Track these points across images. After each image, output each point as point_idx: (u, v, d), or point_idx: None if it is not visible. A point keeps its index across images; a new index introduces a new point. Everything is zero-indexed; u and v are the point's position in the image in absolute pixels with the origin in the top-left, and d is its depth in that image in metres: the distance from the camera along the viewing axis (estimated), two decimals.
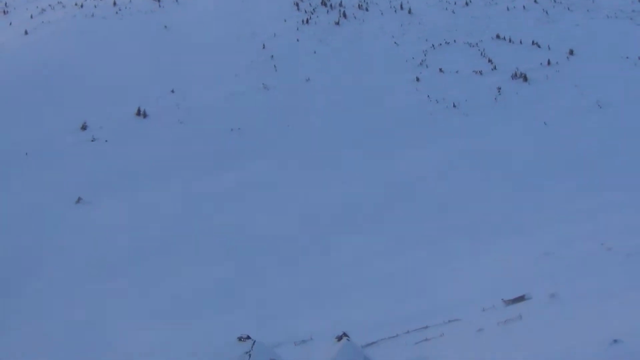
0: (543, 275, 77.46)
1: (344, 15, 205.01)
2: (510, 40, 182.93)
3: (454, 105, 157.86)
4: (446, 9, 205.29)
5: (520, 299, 71.50)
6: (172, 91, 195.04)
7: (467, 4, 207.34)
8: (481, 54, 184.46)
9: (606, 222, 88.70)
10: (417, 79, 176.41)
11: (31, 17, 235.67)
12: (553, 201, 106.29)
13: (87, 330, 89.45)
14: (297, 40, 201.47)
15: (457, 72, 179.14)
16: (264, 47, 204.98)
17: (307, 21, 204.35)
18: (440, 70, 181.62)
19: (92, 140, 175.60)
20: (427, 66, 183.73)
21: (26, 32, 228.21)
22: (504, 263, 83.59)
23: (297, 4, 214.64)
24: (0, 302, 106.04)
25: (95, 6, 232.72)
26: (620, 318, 45.89)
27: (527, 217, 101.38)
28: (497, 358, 45.80)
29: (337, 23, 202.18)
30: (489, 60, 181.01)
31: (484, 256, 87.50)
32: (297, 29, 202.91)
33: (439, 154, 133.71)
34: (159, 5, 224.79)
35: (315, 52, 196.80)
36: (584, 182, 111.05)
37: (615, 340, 36.96)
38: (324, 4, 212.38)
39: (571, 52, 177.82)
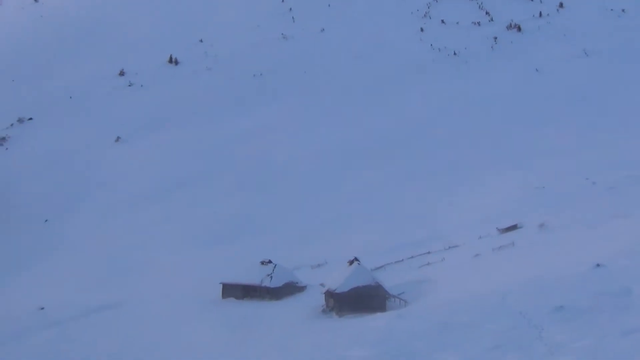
0: (533, 207, 77.48)
1: None
2: None
3: (455, 54, 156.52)
4: None
5: (513, 227, 71.62)
6: (201, 41, 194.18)
7: None
8: (479, 6, 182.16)
9: (591, 159, 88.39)
10: (422, 30, 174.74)
11: None
12: (542, 140, 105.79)
13: (128, 252, 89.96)
14: None
15: (457, 23, 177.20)
16: (282, 0, 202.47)
17: None
18: (442, 21, 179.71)
19: (129, 85, 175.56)
20: (430, 17, 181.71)
21: None
22: (498, 196, 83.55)
23: None
24: (52, 230, 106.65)
25: None
26: (602, 245, 45.85)
27: (519, 154, 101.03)
28: (492, 276, 45.91)
29: None
30: (487, 13, 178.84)
31: (481, 189, 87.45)
32: None
33: (441, 97, 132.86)
34: None
35: (329, 5, 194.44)
36: (571, 122, 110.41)
37: (598, 265, 36.97)
38: None
39: (561, 5, 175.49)
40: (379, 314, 45.88)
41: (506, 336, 22.51)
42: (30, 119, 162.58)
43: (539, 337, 21.15)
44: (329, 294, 58.47)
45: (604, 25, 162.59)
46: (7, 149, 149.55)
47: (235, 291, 66.72)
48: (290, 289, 65.85)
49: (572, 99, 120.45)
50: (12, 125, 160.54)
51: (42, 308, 72.45)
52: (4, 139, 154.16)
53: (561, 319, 22.78)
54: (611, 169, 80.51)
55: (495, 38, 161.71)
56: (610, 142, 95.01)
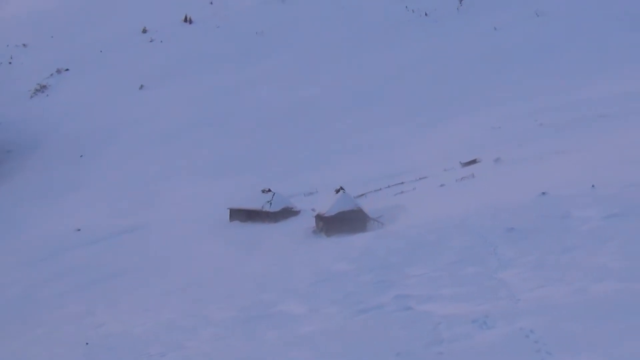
0: (490, 144, 77.51)
1: None
2: None
3: (426, 14, 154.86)
4: None
5: (473, 162, 71.69)
6: (211, 3, 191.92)
7: None
8: None
9: (541, 104, 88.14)
10: None
11: None
12: (499, 87, 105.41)
13: (145, 182, 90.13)
14: None
15: None
16: None
17: None
18: None
19: (151, 41, 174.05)
20: None
21: None
22: (461, 135, 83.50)
23: None
24: (87, 164, 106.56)
25: None
26: (547, 177, 45.97)
27: (479, 100, 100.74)
28: (455, 202, 46.10)
29: None
30: None
31: (446, 130, 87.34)
32: None
33: (415, 52, 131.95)
34: None
35: None
36: (524, 73, 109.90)
37: (543, 193, 37.08)
38: None
39: None
40: (360, 234, 46.14)
41: (466, 252, 22.63)
42: (67, 69, 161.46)
43: (493, 253, 21.27)
44: (319, 217, 58.75)
45: None
46: (47, 95, 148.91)
47: (240, 215, 67.01)
48: (287, 213, 66.10)
49: (524, 53, 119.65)
50: (51, 75, 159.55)
51: (79, 229, 72.74)
52: (45, 87, 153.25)
53: (511, 238, 22.89)
54: (558, 112, 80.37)
55: (461, 1, 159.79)
56: (557, 89, 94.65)
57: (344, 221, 56.29)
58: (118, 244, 64.69)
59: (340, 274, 25.38)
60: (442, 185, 60.56)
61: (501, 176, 55.56)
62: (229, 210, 67.70)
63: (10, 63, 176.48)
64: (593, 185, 32.71)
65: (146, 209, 77.11)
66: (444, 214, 37.82)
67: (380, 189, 67.81)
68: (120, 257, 58.23)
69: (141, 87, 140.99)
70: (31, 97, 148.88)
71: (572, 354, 11.21)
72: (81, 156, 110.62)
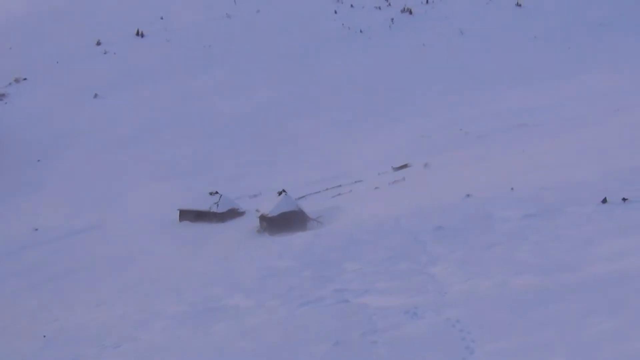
0: (420, 151, 78.37)
1: None
2: None
3: (361, 31, 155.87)
4: None
5: (404, 166, 72.41)
6: (162, 18, 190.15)
7: None
8: None
9: (464, 114, 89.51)
10: (335, 12, 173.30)
11: None
12: (426, 99, 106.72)
13: (101, 185, 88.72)
14: None
15: (363, 7, 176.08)
16: None
17: None
18: (352, 5, 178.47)
19: (105, 53, 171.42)
20: (342, 2, 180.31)
21: None
22: (393, 142, 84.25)
23: None
24: (44, 168, 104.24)
25: None
26: (471, 180, 46.60)
27: (407, 111, 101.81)
28: (388, 204, 46.40)
29: None
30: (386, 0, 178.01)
31: (380, 137, 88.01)
32: None
33: (350, 65, 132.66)
34: None
35: None
36: (450, 85, 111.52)
37: (468, 195, 37.61)
38: None
39: None
40: (301, 233, 46.06)
41: (398, 249, 22.77)
42: (25, 79, 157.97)
43: (424, 250, 21.45)
44: (263, 218, 58.58)
45: (475, 10, 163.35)
46: (6, 103, 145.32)
47: (190, 215, 66.40)
48: (233, 213, 65.76)
49: (450, 67, 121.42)
50: (10, 84, 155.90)
51: (36, 229, 71.15)
52: (3, 95, 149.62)
53: (440, 236, 23.12)
54: (480, 121, 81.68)
55: (392, 19, 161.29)
56: (480, 100, 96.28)
57: (286, 221, 56.24)
58: (74, 243, 63.44)
59: (283, 270, 25.31)
60: (376, 188, 60.95)
61: (430, 179, 56.20)
62: (178, 211, 67.05)
63: None
64: (512, 188, 33.31)
65: (101, 210, 75.86)
66: (378, 214, 38.07)
67: (320, 192, 67.94)
68: (76, 256, 57.09)
69: (95, 95, 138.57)
70: None
71: (494, 342, 11.38)
72: (39, 160, 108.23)
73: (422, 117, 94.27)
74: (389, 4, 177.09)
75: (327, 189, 68.02)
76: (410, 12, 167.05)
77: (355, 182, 67.69)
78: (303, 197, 66.13)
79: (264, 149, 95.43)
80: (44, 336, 25.63)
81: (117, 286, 37.53)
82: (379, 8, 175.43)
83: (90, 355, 20.32)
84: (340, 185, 68.06)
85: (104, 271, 48.17)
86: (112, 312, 27.37)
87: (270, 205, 58.47)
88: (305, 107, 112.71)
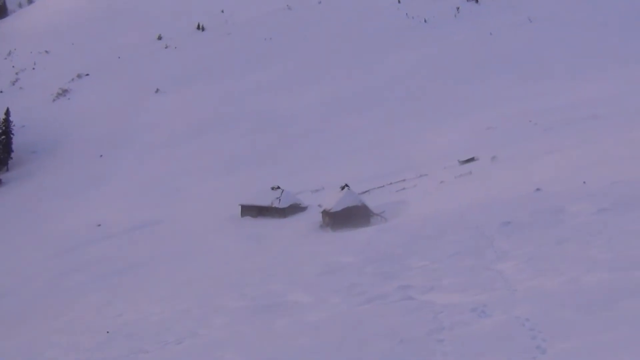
0: (487, 143, 77.41)
1: None
2: None
3: (425, 21, 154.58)
4: None
5: (471, 159, 71.61)
6: (222, 11, 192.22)
7: None
8: None
9: (533, 105, 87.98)
10: (399, 1, 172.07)
11: None
12: (493, 89, 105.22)
13: (162, 180, 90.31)
14: None
15: None
16: None
17: None
18: None
19: (166, 48, 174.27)
20: None
21: None
22: (459, 135, 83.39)
23: None
24: (106, 163, 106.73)
25: None
26: (541, 173, 45.91)
27: (474, 102, 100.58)
28: (454, 198, 46.02)
29: None
30: None
31: (445, 129, 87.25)
32: None
33: (414, 57, 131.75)
34: None
35: None
36: (518, 75, 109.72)
37: (537, 189, 37.04)
38: None
39: None
40: (364, 228, 46.07)
41: (464, 245, 22.57)
42: (87, 74, 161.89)
43: (490, 246, 21.22)
44: (325, 213, 58.73)
45: None
46: (69, 99, 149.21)
47: (251, 211, 67.02)
48: (295, 209, 66.11)
49: (517, 56, 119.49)
50: (72, 79, 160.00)
51: (99, 225, 72.84)
52: (66, 90, 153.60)
53: (508, 231, 22.84)
54: (549, 112, 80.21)
55: (458, 8, 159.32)
56: (549, 90, 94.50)
57: (349, 216, 56.27)
58: (136, 238, 64.81)
59: (345, 265, 25.33)
60: (441, 182, 60.51)
61: (498, 173, 55.52)
62: (240, 207, 67.73)
63: (33, 69, 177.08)
64: (584, 182, 32.65)
65: (162, 205, 77.25)
66: (443, 209, 37.79)
67: (383, 186, 67.76)
68: (138, 250, 58.33)
69: (157, 91, 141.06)
70: (53, 100, 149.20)
71: (565, 341, 11.17)
72: (101, 156, 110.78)
73: (488, 108, 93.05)
74: None
75: (390, 183, 67.79)
76: (477, 1, 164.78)
77: (420, 176, 67.29)
78: (366, 191, 66.06)
79: (325, 143, 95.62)
80: (108, 332, 26.21)
81: (178, 281, 38.15)
82: None
83: (153, 351, 20.69)
84: (404, 180, 67.76)
85: (166, 266, 49.05)
86: (174, 307, 27.82)
87: (333, 200, 58.57)
88: (367, 100, 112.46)
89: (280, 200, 65.85)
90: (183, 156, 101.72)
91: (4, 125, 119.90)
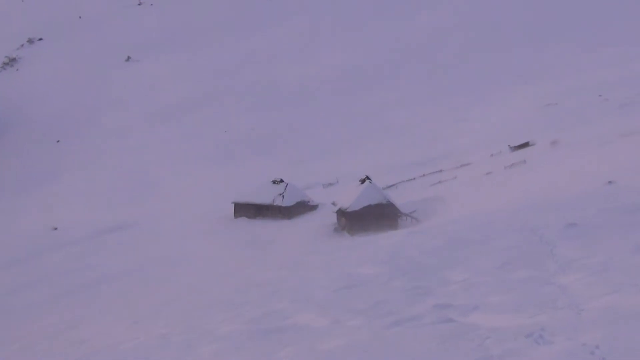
0: (545, 124, 77.18)
1: None
2: None
3: None
4: None
5: (525, 145, 71.46)
6: None
7: None
8: None
9: (602, 76, 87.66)
10: None
11: None
12: (554, 58, 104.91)
13: (136, 171, 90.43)
14: None
15: None
16: None
17: None
18: None
19: (139, 4, 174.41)
20: None
21: None
22: (510, 113, 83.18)
23: None
24: (64, 150, 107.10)
25: None
26: (614, 163, 45.74)
27: (532, 72, 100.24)
28: (504, 193, 45.93)
29: None
30: None
31: (492, 107, 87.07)
32: None
33: (453, 17, 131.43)
34: None
35: None
36: (582, 41, 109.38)
37: (610, 182, 36.93)
38: None
39: None
40: (390, 232, 46.09)
41: (517, 253, 22.52)
42: (40, 39, 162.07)
43: (550, 254, 21.16)
44: (341, 213, 58.78)
45: None
46: (17, 70, 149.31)
47: (247, 210, 67.19)
48: (302, 208, 66.22)
49: (584, 19, 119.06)
50: (22, 46, 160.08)
51: (55, 228, 73.11)
52: (14, 60, 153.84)
53: (572, 235, 22.75)
54: (623, 85, 79.86)
55: None
56: (622, 59, 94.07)
57: (371, 217, 56.32)
58: (102, 245, 64.94)
59: (367, 279, 25.34)
60: (488, 173, 60.41)
61: (559, 162, 55.33)
62: (234, 205, 67.84)
63: None
64: None
65: (135, 203, 77.43)
66: (491, 207, 37.72)
67: (414, 179, 67.75)
68: (105, 261, 58.46)
69: (128, 58, 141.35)
70: None
71: None
72: (58, 141, 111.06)
73: (547, 80, 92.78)
74: None
75: (423, 175, 67.76)
76: None
77: (461, 165, 67.19)
78: (393, 185, 66.03)
79: (340, 124, 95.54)
80: None
81: (156, 300, 38.28)
82: None
83: None
84: (440, 171, 67.70)
85: (141, 281, 49.17)
86: (151, 332, 27.92)
87: (351, 197, 58.60)
88: (393, 70, 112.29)
89: (283, 197, 65.98)
90: (161, 141, 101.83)
91: None
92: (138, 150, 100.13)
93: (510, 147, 68.91)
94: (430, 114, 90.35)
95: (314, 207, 66.38)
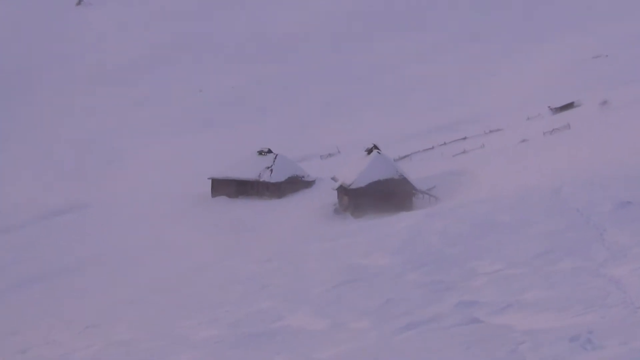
0: (593, 80, 77.01)
1: None
2: None
3: None
4: None
5: (569, 106, 71.42)
6: None
7: None
8: None
9: None
10: None
11: None
12: (608, 0, 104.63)
13: (95, 141, 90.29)
14: None
15: None
16: None
17: None
18: None
19: None
20: None
21: None
22: (551, 67, 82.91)
23: None
24: (5, 113, 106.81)
25: None
26: None
27: (578, 17, 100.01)
28: (543, 166, 45.95)
29: None
30: None
31: (530, 59, 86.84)
32: None
33: None
34: None
35: None
36: None
37: None
38: None
39: None
40: (403, 214, 46.13)
41: (559, 238, 22.53)
42: None
43: (600, 239, 21.17)
44: (343, 190, 58.78)
45: None
46: None
47: (228, 188, 67.07)
48: (295, 184, 66.17)
49: None
50: None
51: None
52: None
53: (627, 217, 22.76)
54: None
55: None
56: None
57: (380, 195, 56.32)
58: (48, 231, 64.83)
59: (375, 272, 25.38)
60: (523, 141, 60.40)
61: (610, 127, 55.29)
62: (210, 182, 67.75)
63: None
64: None
65: (90, 181, 77.24)
66: (527, 183, 37.71)
67: (432, 148, 67.76)
68: (53, 251, 58.40)
69: (79, 2, 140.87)
70: None
71: None
72: None
73: (596, 27, 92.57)
74: None
75: (444, 144, 67.79)
76: None
77: (490, 131, 67.21)
78: (406, 156, 66.07)
79: (341, 81, 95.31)
80: None
81: (116, 298, 38.31)
82: None
83: None
84: (465, 138, 67.70)
85: (96, 276, 49.16)
86: (109, 338, 27.97)
87: (355, 171, 58.59)
88: (409, 12, 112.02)
89: (272, 170, 65.92)
90: (121, 103, 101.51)
91: None
92: (91, 114, 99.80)
93: (551, 109, 68.90)
94: (453, 68, 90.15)
95: (309, 184, 66.34)
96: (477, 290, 19.84)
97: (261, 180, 65.57)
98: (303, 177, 66.77)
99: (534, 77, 79.38)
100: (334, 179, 61.31)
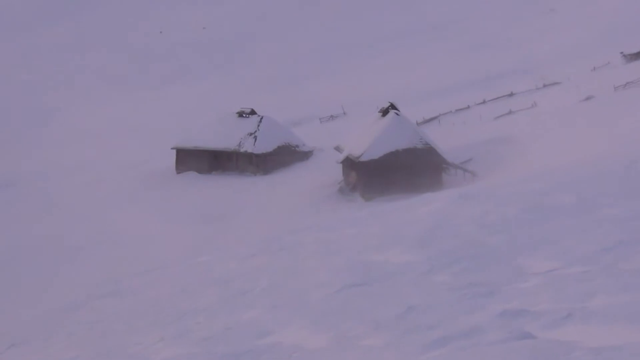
0: None
1: None
2: None
3: None
4: None
5: None
6: None
7: None
8: None
9: None
10: None
11: None
12: None
13: (17, 98, 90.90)
14: None
15: None
16: None
17: None
18: None
19: None
20: None
21: None
22: (622, 3, 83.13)
23: None
24: None
25: None
26: None
27: None
28: (612, 132, 46.15)
29: None
30: None
31: None
32: None
33: None
34: None
35: None
36: None
37: None
38: None
39: None
40: (430, 195, 46.12)
41: (636, 227, 22.58)
42: None
43: None
44: (350, 164, 58.85)
45: None
46: None
47: (198, 160, 67.19)
48: (287, 156, 66.31)
49: None
50: None
51: None
52: None
53: None
54: None
55: None
56: None
57: (399, 170, 56.39)
58: None
59: (392, 271, 25.42)
60: (587, 99, 60.52)
61: None
62: (175, 152, 67.91)
63: None
64: None
65: (16, 150, 77.55)
66: (592, 155, 37.82)
67: (468, 107, 67.90)
68: None
69: None
70: None
71: None
72: None
73: None
74: None
75: (483, 102, 67.99)
76: None
77: (544, 85, 67.44)
78: (434, 118, 66.29)
79: (350, 17, 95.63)
80: None
81: (50, 306, 38.43)
82: None
83: None
84: (511, 94, 67.91)
85: (27, 276, 49.40)
86: (46, 357, 28.07)
87: (366, 139, 58.65)
88: None
89: (256, 138, 66.02)
90: (59, 44, 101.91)
91: None
92: (23, 56, 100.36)
93: (624, 56, 69.10)
94: (495, 4, 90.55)
95: (305, 155, 66.56)
96: (527, 295, 19.85)
97: (242, 150, 65.81)
98: (297, 146, 66.98)
99: (603, 15, 79.74)
100: (337, 149, 61.45)
